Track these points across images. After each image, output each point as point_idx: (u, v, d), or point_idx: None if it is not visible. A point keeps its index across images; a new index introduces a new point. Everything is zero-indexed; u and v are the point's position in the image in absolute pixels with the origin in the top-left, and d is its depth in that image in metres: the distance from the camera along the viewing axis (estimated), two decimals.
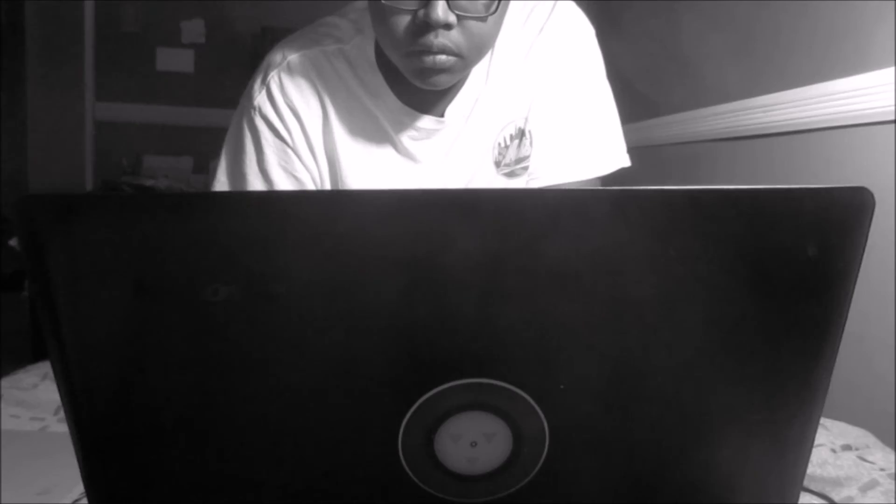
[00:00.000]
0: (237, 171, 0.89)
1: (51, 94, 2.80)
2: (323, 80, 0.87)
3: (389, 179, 0.91)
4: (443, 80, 0.79)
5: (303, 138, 0.88)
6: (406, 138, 0.90)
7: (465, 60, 0.78)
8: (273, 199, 0.35)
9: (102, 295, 0.33)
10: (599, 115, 0.93)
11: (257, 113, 0.87)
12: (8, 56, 2.66)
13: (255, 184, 0.88)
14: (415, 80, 0.79)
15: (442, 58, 0.75)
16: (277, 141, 0.87)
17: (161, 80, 2.95)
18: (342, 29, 0.89)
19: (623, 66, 1.88)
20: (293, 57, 0.87)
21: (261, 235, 0.33)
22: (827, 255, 0.36)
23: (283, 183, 0.88)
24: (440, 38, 0.74)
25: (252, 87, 0.88)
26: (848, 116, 1.26)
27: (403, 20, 0.74)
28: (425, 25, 0.72)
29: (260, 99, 0.87)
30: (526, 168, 0.95)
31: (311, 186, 0.89)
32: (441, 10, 0.71)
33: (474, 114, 0.90)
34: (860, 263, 0.36)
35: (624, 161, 0.93)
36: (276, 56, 0.88)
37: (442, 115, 0.89)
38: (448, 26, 0.73)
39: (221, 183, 0.91)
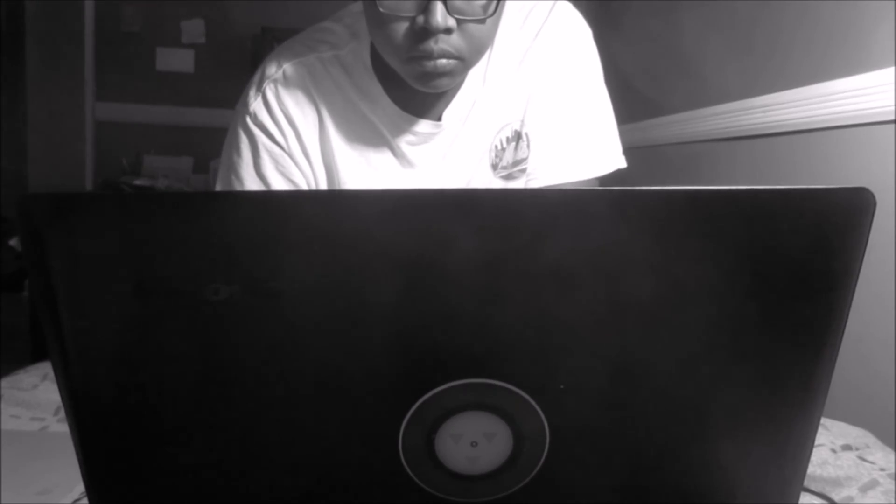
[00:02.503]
0: (235, 177, 0.89)
1: (51, 94, 2.80)
2: (318, 88, 0.87)
3: (387, 185, 0.91)
4: (444, 83, 0.79)
5: (298, 145, 0.88)
6: (404, 143, 0.90)
7: (466, 62, 0.78)
8: (273, 199, 0.35)
9: (103, 294, 0.33)
10: (596, 117, 0.93)
11: (253, 119, 0.87)
12: (8, 56, 2.67)
13: (253, 188, 0.88)
14: (416, 85, 0.80)
15: (443, 62, 0.75)
16: (273, 145, 0.87)
17: (161, 80, 2.95)
18: (337, 34, 0.89)
19: (623, 66, 1.88)
20: (288, 65, 0.87)
21: (261, 235, 0.33)
22: (827, 256, 0.36)
23: (279, 186, 0.88)
24: (440, 44, 0.74)
25: (247, 94, 0.89)
26: (848, 116, 1.26)
27: (402, 27, 0.74)
28: (424, 31, 0.72)
29: (255, 105, 0.87)
30: (523, 170, 0.95)
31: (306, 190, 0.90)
32: (440, 16, 0.71)
33: (471, 117, 0.90)
34: (861, 264, 0.36)
35: (620, 162, 0.93)
36: (272, 64, 0.88)
37: (439, 119, 0.89)
38: (448, 31, 0.73)
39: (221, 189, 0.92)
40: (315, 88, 0.87)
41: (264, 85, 0.87)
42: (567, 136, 0.92)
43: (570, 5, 0.93)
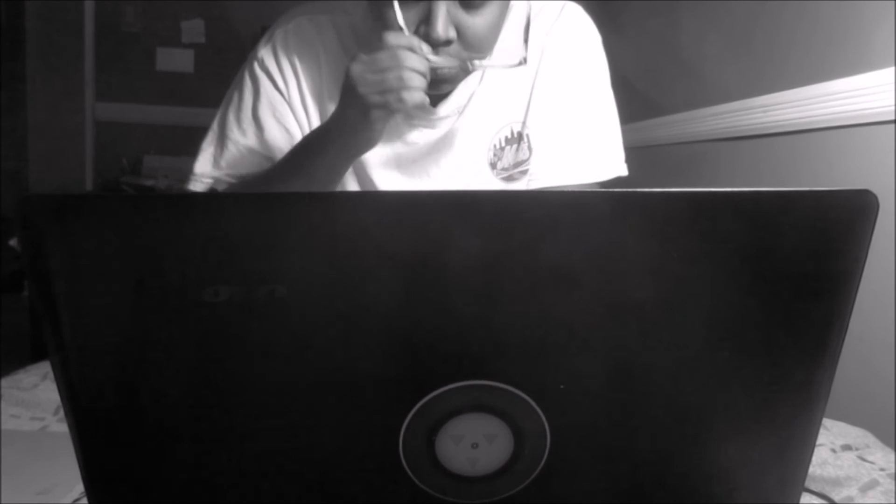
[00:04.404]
0: (233, 116, 0.91)
1: (51, 94, 2.81)
2: (325, 50, 0.89)
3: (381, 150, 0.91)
4: (446, 88, 0.82)
5: (298, 95, 0.90)
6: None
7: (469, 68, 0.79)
8: (273, 200, 0.35)
9: (102, 295, 0.33)
10: (602, 123, 0.93)
11: (260, 64, 0.90)
12: (8, 56, 2.66)
13: (248, 129, 0.90)
14: None
15: (444, 71, 0.76)
16: (275, 92, 0.90)
17: (161, 80, 2.95)
18: (354, 3, 0.91)
19: (623, 66, 1.87)
20: (303, 18, 0.90)
21: (261, 236, 0.33)
22: (829, 258, 0.36)
23: (273, 130, 0.90)
24: (442, 54, 0.75)
25: (259, 43, 0.91)
26: (848, 116, 1.26)
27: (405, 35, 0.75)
28: (427, 40, 0.73)
29: (264, 51, 0.90)
30: (524, 172, 0.95)
31: (300, 138, 0.91)
32: (441, 28, 0.72)
33: (468, 111, 0.90)
34: (863, 266, 0.36)
35: (622, 170, 0.94)
36: (287, 16, 0.91)
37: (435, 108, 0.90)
38: (448, 42, 0.74)
39: (213, 132, 0.94)
40: (322, 48, 0.89)
41: (275, 34, 0.90)
42: (570, 140, 0.92)
43: (580, 7, 0.93)
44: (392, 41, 0.71)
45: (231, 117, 0.91)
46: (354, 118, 0.74)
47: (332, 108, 0.88)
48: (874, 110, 1.19)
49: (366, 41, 0.87)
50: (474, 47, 0.77)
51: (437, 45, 0.73)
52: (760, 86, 1.54)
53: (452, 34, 0.73)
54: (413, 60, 0.71)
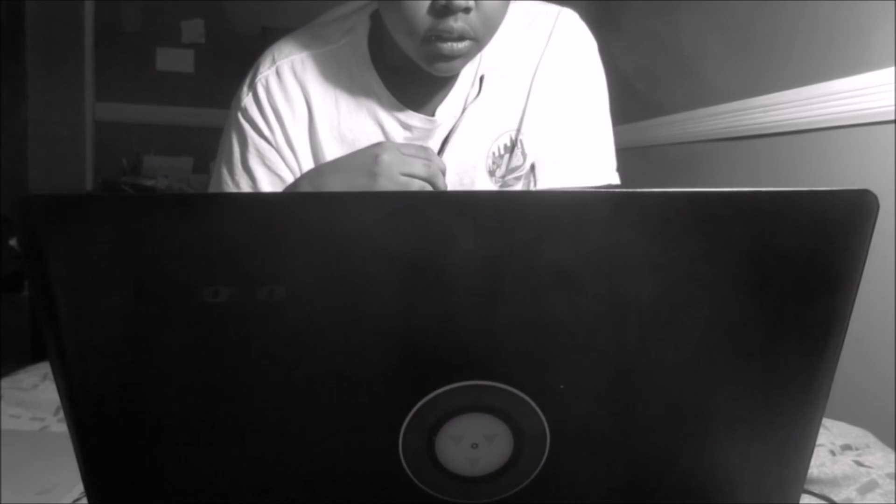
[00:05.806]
0: (226, 170, 0.92)
1: (51, 94, 2.80)
2: (312, 85, 0.89)
3: None
4: (457, 66, 0.80)
5: (284, 140, 0.90)
6: (400, 139, 0.90)
7: (479, 43, 0.79)
8: (273, 201, 0.35)
9: (102, 295, 0.33)
10: (595, 131, 0.94)
11: (243, 114, 0.90)
12: (8, 56, 2.66)
13: (241, 181, 0.91)
14: (428, 66, 0.80)
15: (459, 45, 0.76)
16: (261, 140, 0.89)
17: (161, 80, 2.95)
18: (332, 30, 0.91)
19: (623, 66, 1.88)
20: (282, 62, 0.89)
21: (260, 237, 0.33)
22: (829, 258, 0.36)
23: (265, 180, 0.90)
24: (460, 23, 0.75)
25: (240, 91, 0.91)
26: (848, 116, 1.26)
27: (423, 5, 0.74)
28: (445, 10, 0.73)
29: (246, 101, 0.90)
30: (518, 178, 0.95)
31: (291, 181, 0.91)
32: None
33: (466, 116, 0.90)
34: (863, 266, 0.36)
35: (613, 178, 0.94)
36: (266, 61, 0.91)
37: (432, 115, 0.89)
38: (467, 10, 0.74)
39: (213, 184, 0.95)
40: (307, 84, 0.89)
41: (256, 81, 0.89)
42: (563, 146, 0.92)
43: (576, 15, 0.93)
44: (431, 157, 0.76)
45: (224, 170, 0.92)
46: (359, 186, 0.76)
47: (328, 140, 0.89)
48: (874, 110, 1.19)
49: (351, 65, 0.88)
50: (489, 18, 0.77)
51: (456, 11, 0.74)
52: (760, 86, 1.54)
53: (472, 2, 0.74)
54: (440, 180, 0.75)
